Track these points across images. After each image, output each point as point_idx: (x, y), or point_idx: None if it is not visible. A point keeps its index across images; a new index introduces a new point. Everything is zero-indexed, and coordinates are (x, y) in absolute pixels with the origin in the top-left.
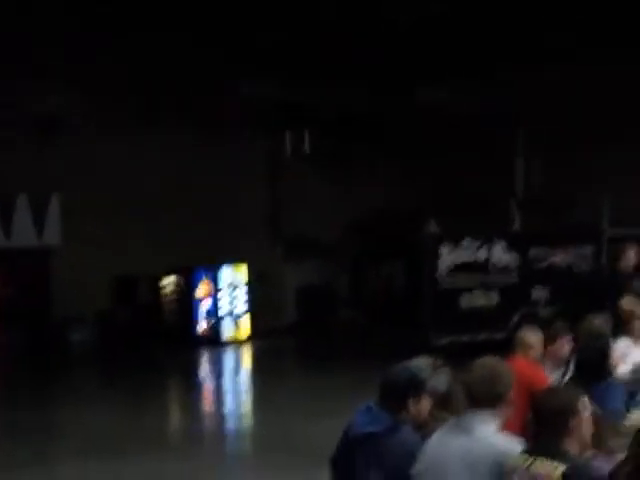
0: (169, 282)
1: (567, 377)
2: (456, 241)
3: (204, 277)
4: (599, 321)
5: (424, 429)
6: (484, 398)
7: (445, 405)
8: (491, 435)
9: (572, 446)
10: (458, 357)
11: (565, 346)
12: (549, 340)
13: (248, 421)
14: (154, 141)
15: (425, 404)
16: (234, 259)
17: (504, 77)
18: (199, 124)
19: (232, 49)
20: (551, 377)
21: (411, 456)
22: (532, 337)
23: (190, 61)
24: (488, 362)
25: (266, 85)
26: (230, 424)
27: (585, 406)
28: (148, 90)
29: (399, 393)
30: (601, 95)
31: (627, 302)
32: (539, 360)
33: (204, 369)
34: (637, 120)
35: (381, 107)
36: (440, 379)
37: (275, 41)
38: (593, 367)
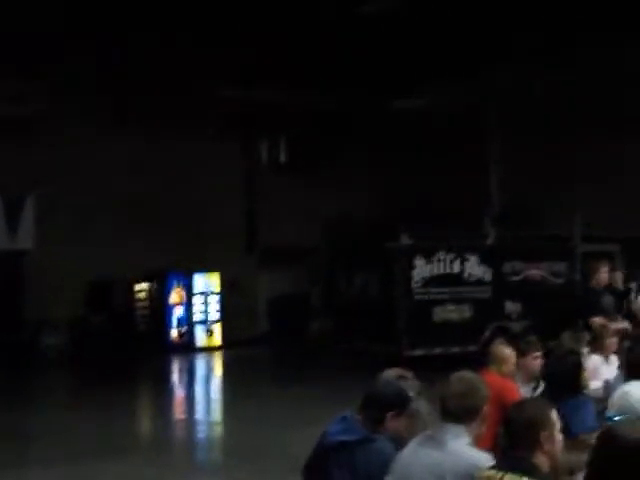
0: (142, 288)
1: (538, 392)
2: (430, 253)
3: (176, 284)
4: (570, 337)
5: (400, 440)
6: (458, 412)
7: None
8: (462, 448)
9: (541, 460)
10: (430, 370)
11: (535, 361)
12: (519, 354)
13: (218, 429)
14: (128, 144)
15: (403, 422)
16: (207, 267)
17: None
18: (174, 130)
19: (209, 52)
20: (522, 391)
21: (384, 466)
22: (506, 351)
23: (168, 63)
24: (465, 376)
25: (242, 89)
26: (200, 432)
27: (555, 420)
28: (122, 92)
29: (381, 406)
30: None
31: (598, 319)
32: (512, 374)
33: (176, 376)
34: (609, 126)
35: (357, 115)
36: (423, 402)
37: (252, 44)
38: (565, 382)
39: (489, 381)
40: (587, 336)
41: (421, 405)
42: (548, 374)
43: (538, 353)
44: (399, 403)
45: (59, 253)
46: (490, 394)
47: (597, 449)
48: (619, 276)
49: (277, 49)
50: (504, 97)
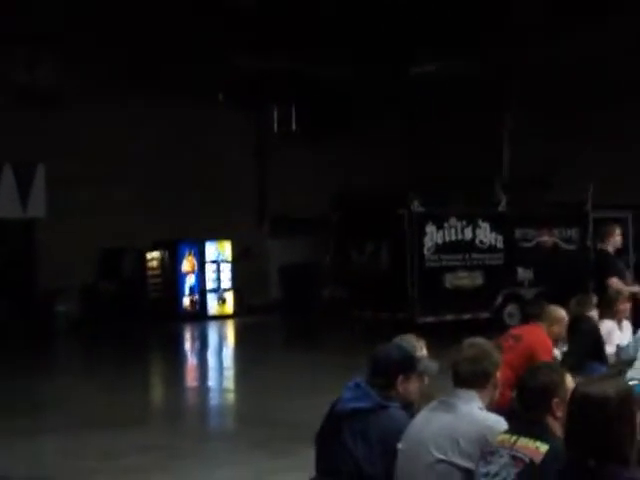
0: (154, 256)
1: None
2: (441, 220)
3: (188, 252)
4: (577, 302)
5: (412, 408)
6: (470, 377)
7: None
8: (475, 411)
9: (554, 425)
10: (442, 336)
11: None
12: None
13: (231, 396)
14: (140, 113)
15: (414, 384)
16: (219, 235)
17: (492, 53)
18: (187, 96)
19: (223, 18)
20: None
21: (398, 433)
22: (562, 312)
23: (180, 30)
24: (476, 342)
25: (255, 57)
26: (213, 399)
27: (569, 386)
28: (134, 60)
29: (389, 371)
30: (584, 75)
31: (616, 281)
32: (559, 337)
33: (188, 344)
34: (620, 99)
35: (369, 83)
36: (432, 362)
37: (263, 11)
38: (588, 350)
39: (533, 332)
40: (594, 299)
41: (430, 366)
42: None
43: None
44: (407, 366)
45: (71, 222)
46: (523, 345)
47: (568, 404)
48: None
49: (289, 17)
50: (518, 66)
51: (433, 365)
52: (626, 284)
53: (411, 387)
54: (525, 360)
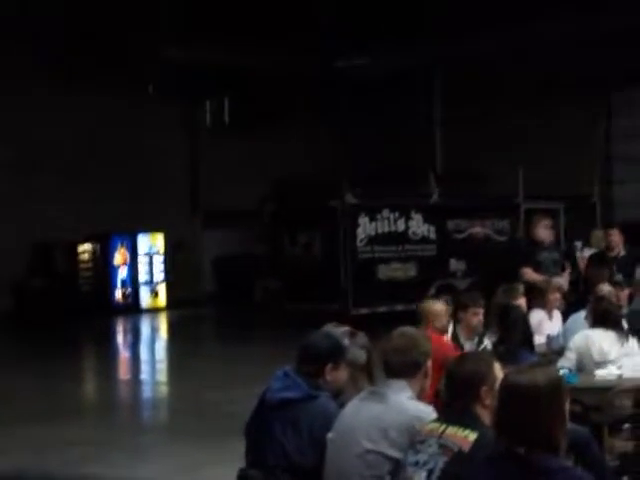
0: (85, 249)
1: (482, 347)
2: (374, 212)
3: (120, 245)
4: (503, 291)
5: (340, 397)
6: (400, 367)
7: (363, 375)
8: (404, 401)
9: (482, 413)
10: (375, 328)
11: (475, 317)
12: (461, 310)
13: (164, 389)
14: (70, 103)
15: (342, 372)
16: (152, 227)
17: (424, 43)
18: (118, 87)
19: (150, 11)
20: (467, 347)
21: (328, 422)
22: (437, 306)
23: (111, 22)
24: (406, 332)
25: (184, 49)
26: (146, 392)
27: (498, 374)
28: (65, 51)
29: (318, 358)
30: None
31: (529, 271)
32: (445, 330)
33: (121, 337)
34: (548, 91)
35: (300, 72)
36: (360, 350)
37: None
38: (518, 339)
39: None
40: (521, 289)
41: (358, 354)
42: (502, 330)
43: (478, 309)
44: (335, 354)
45: (0, 215)
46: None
47: (498, 393)
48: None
49: (217, 8)
50: (447, 60)
51: (360, 354)
52: (550, 276)
53: (340, 376)
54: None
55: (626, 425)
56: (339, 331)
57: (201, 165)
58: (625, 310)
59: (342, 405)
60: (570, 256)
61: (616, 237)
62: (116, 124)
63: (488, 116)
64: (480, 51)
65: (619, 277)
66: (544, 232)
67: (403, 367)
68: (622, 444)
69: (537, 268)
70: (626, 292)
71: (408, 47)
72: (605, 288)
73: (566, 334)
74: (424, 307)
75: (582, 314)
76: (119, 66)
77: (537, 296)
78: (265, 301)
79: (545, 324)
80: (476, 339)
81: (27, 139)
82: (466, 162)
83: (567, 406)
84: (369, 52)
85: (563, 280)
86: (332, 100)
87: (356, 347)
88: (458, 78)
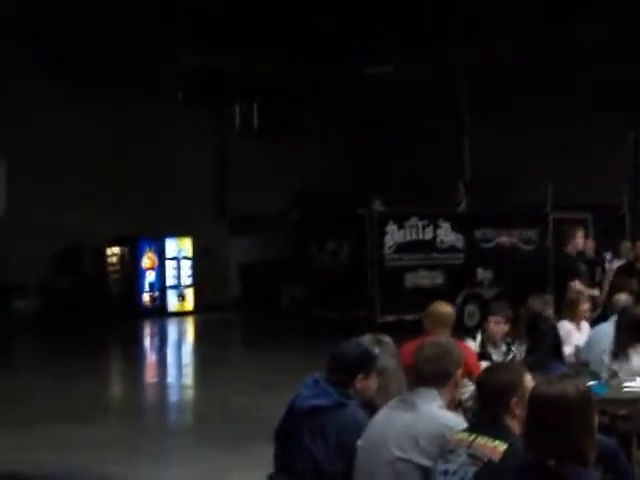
0: (114, 252)
1: (511, 356)
2: (402, 220)
3: (147, 249)
4: (539, 300)
5: (370, 406)
6: (431, 376)
7: (393, 382)
8: (434, 410)
9: (512, 424)
10: (403, 336)
11: (497, 325)
12: (485, 319)
13: (190, 393)
14: (97, 112)
15: (373, 382)
16: (179, 232)
17: (450, 53)
18: (144, 93)
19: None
20: (495, 356)
21: (357, 431)
22: (448, 309)
23: (129, 28)
24: (438, 341)
25: (209, 55)
26: (172, 395)
27: (529, 385)
28: (91, 59)
29: (349, 368)
30: (544, 76)
31: (579, 284)
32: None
33: (147, 340)
34: (582, 100)
35: (330, 83)
36: (390, 359)
37: (213, 10)
38: (548, 349)
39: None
40: (551, 299)
41: (389, 362)
42: (532, 340)
43: (500, 318)
44: (366, 363)
45: (30, 217)
46: None
47: (528, 404)
48: (590, 244)
49: (242, 15)
50: (474, 68)
51: (391, 362)
52: (588, 287)
53: (370, 385)
54: None
55: None
56: (367, 339)
57: (228, 170)
58: None
59: (372, 414)
60: (602, 267)
61: None
62: (144, 131)
63: (517, 125)
64: (507, 57)
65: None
66: (580, 242)
67: (434, 376)
68: None
69: (580, 280)
70: None
71: (432, 54)
72: (622, 297)
73: (590, 345)
74: (437, 310)
75: (606, 326)
76: (141, 72)
77: (567, 307)
78: (292, 307)
79: (574, 335)
80: (504, 348)
81: (60, 144)
82: (494, 171)
83: (596, 418)
84: (394, 60)
85: (595, 292)
86: (360, 108)
87: (386, 355)
88: (486, 86)
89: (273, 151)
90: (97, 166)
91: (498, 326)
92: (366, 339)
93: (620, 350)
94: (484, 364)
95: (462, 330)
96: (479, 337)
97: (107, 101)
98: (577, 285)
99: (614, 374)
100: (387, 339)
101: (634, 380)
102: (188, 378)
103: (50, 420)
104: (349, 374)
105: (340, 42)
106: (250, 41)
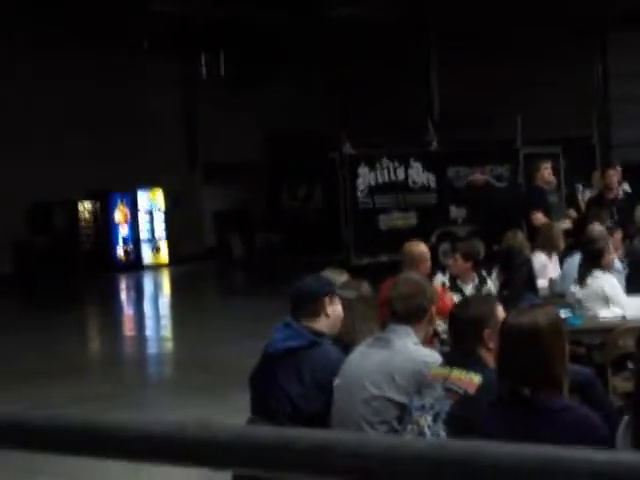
0: (85, 208)
1: (486, 289)
2: (373, 161)
3: (119, 202)
4: (515, 235)
5: (342, 342)
6: (404, 313)
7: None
8: (410, 346)
9: (486, 356)
10: (378, 277)
11: (456, 262)
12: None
13: (169, 344)
14: (64, 62)
15: (339, 306)
16: (150, 184)
17: None
18: (110, 45)
19: None
20: (466, 291)
21: (332, 369)
22: (422, 247)
23: None
24: (411, 278)
25: (176, 3)
26: (150, 348)
27: (500, 317)
28: (55, 5)
29: (312, 294)
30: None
31: (540, 216)
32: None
33: (123, 294)
34: (549, 35)
35: (292, 25)
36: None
37: None
38: (522, 283)
39: None
40: (530, 235)
41: (351, 294)
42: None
43: (459, 255)
44: (328, 287)
45: None
46: None
47: (499, 335)
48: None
49: None
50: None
51: (349, 292)
52: (557, 220)
53: (338, 309)
54: None
55: (630, 365)
56: (332, 274)
57: (198, 119)
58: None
59: (345, 349)
60: (573, 199)
61: (614, 177)
62: (110, 82)
63: (484, 61)
64: None
65: (609, 222)
66: (547, 173)
67: (408, 312)
68: (625, 384)
69: (546, 212)
70: (619, 234)
71: None
72: (597, 228)
73: (564, 277)
74: (410, 249)
75: (577, 257)
76: (108, 21)
77: (541, 240)
78: (266, 254)
79: (548, 267)
80: (476, 281)
81: (22, 102)
82: (463, 108)
83: (567, 345)
84: (352, 2)
85: (566, 225)
86: (326, 51)
87: (349, 289)
88: (453, 23)
89: (243, 99)
90: (65, 121)
91: (458, 263)
92: (324, 273)
93: (581, 279)
94: (455, 297)
95: (438, 268)
96: (448, 272)
97: (75, 51)
98: (539, 218)
99: (578, 301)
100: (345, 275)
101: (598, 304)
102: (166, 330)
103: (34, 377)
104: (315, 301)
105: None
106: None
